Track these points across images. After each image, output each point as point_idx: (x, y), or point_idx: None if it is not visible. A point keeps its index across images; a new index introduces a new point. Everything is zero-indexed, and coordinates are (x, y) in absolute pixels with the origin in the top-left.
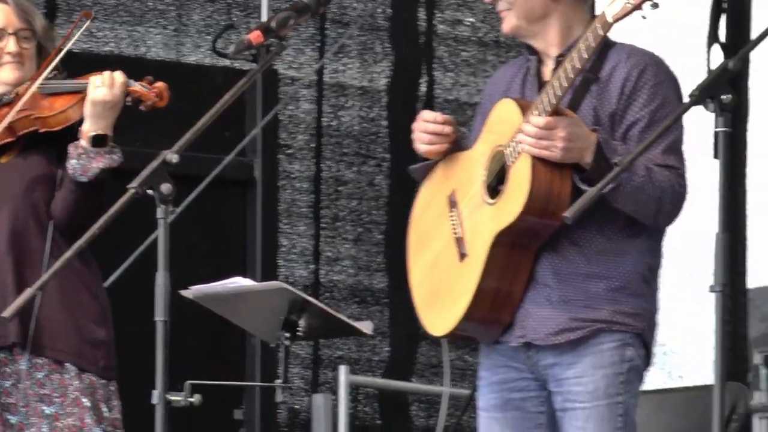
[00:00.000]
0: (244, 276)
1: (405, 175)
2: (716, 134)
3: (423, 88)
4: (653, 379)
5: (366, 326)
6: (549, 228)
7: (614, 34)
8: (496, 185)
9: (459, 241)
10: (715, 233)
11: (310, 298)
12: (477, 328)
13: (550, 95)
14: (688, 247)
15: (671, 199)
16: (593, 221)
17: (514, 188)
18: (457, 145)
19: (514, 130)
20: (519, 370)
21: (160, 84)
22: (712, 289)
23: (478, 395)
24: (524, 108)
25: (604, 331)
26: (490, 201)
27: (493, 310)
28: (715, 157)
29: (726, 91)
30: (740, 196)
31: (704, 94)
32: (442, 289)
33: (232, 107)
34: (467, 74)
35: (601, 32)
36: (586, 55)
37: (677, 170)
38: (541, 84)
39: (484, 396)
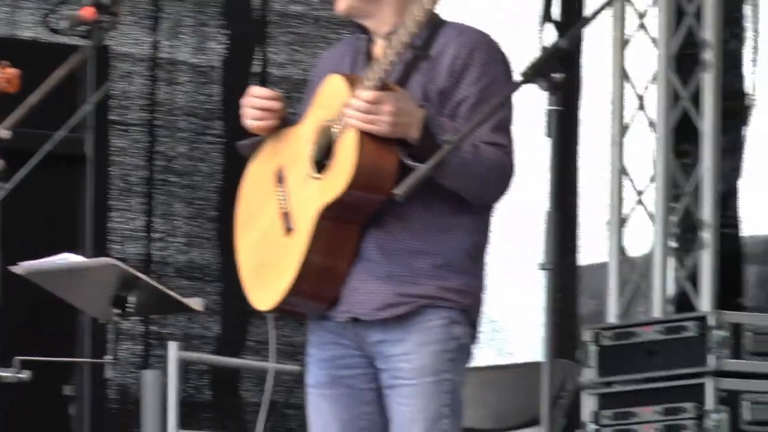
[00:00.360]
0: (76, 252)
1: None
2: (548, 112)
3: (257, 65)
4: (484, 356)
5: (197, 303)
6: (375, 203)
7: (447, 13)
8: (323, 160)
9: (286, 216)
10: (546, 211)
11: (140, 275)
12: (303, 303)
13: (378, 70)
14: (523, 225)
15: (498, 176)
16: (419, 197)
17: (340, 163)
18: (286, 121)
19: (342, 105)
20: (347, 347)
21: (13, 70)
22: (541, 266)
23: (307, 372)
24: (353, 83)
25: (430, 307)
26: (317, 176)
27: (318, 284)
28: (547, 135)
29: (558, 69)
30: (572, 174)
31: (536, 72)
32: (269, 263)
33: (64, 83)
34: (302, 52)
35: (428, 6)
36: (413, 30)
37: (505, 148)
38: (371, 62)
39: (313, 373)
